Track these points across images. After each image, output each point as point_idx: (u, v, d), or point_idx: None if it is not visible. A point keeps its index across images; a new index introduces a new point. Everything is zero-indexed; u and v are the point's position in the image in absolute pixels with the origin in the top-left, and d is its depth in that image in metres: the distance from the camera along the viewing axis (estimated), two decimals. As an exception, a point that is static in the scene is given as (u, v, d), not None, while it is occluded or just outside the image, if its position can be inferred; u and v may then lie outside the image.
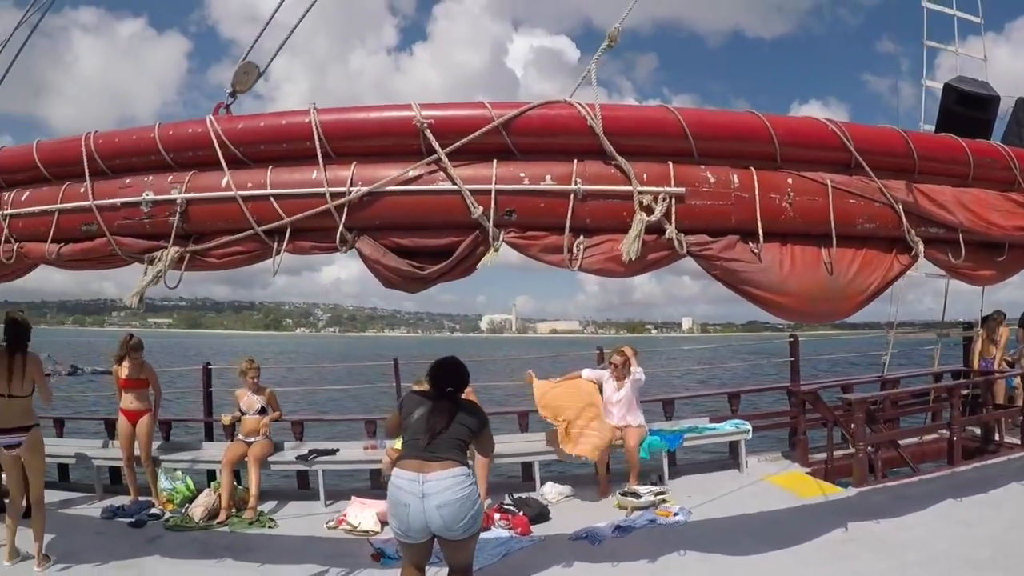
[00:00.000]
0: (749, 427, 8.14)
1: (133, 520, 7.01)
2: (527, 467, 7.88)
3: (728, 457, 8.51)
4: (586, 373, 7.88)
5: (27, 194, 4.75)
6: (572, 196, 4.04)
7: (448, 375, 4.19)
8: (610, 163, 4.13)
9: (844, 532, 5.91)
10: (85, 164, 4.46)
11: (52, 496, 7.37)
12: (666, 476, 7.65)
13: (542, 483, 7.51)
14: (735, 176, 4.29)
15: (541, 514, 6.62)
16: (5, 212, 4.73)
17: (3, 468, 5.79)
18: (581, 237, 4.12)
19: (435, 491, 3.77)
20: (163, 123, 4.39)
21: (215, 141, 4.12)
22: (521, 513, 6.51)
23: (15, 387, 5.49)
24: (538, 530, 6.37)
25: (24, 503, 5.85)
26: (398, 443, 6.97)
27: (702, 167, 4.29)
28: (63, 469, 8.59)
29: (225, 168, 4.12)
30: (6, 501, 6.16)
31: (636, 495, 6.87)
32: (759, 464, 8.31)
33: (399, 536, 3.96)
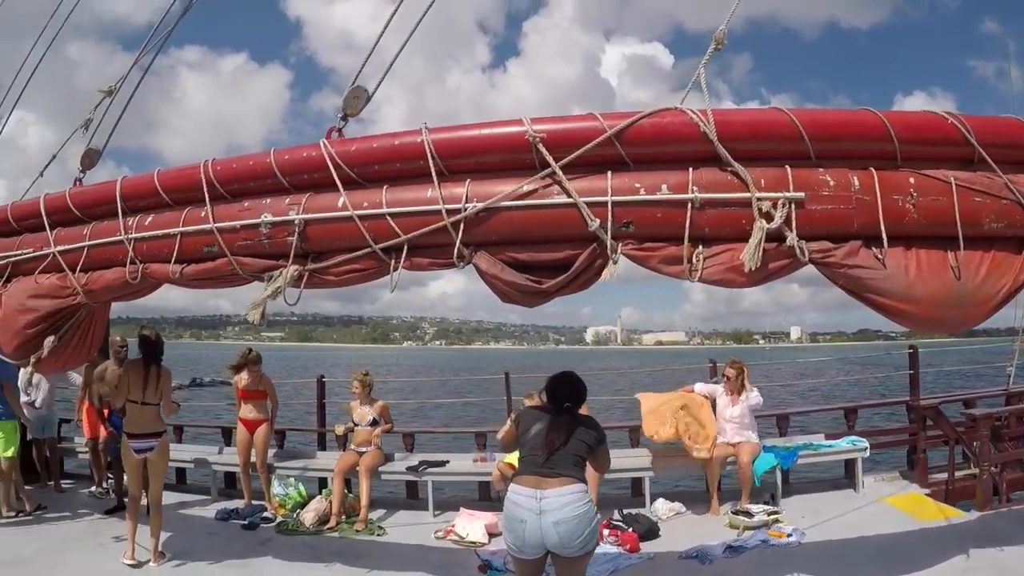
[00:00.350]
0: (866, 444, 7.74)
1: (246, 522, 7.36)
2: (637, 483, 7.74)
3: (843, 476, 8.10)
4: (699, 387, 7.72)
5: (150, 219, 4.97)
6: (689, 205, 3.89)
7: (566, 390, 4.13)
8: (726, 169, 3.95)
9: (965, 559, 5.51)
10: (205, 189, 4.65)
11: (170, 497, 7.79)
12: (779, 495, 7.33)
13: (652, 499, 7.34)
14: (855, 178, 4.04)
15: (651, 531, 6.49)
16: (130, 236, 4.96)
17: (126, 469, 6.16)
18: (700, 247, 3.96)
19: (552, 508, 3.70)
20: (278, 149, 4.54)
21: (330, 163, 4.20)
22: (631, 529, 6.38)
23: (148, 395, 5.99)
24: (647, 547, 6.25)
25: (144, 503, 6.22)
26: (509, 457, 7.00)
27: (820, 170, 4.06)
28: (181, 472, 9.12)
29: (341, 189, 4.18)
30: (125, 500, 6.47)
31: (748, 514, 6.64)
32: (875, 484, 7.89)
33: (513, 551, 3.89)
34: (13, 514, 7.59)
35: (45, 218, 5.54)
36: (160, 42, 6.00)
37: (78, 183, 5.79)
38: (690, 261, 3.95)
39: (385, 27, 4.49)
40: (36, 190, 6.20)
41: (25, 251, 5.66)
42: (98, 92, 6.02)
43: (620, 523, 6.53)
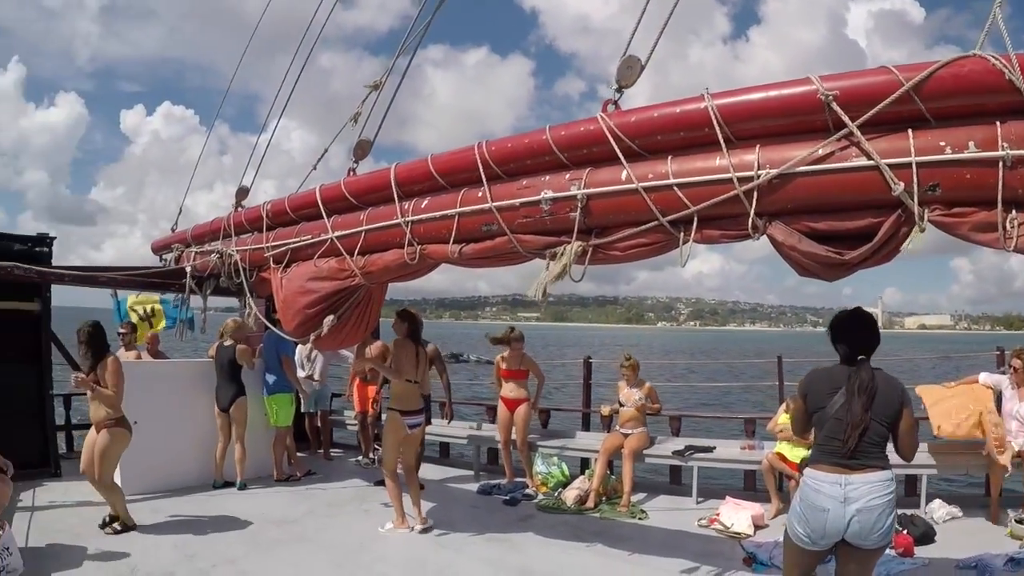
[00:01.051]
0: None
1: (507, 498, 7.62)
2: (911, 481, 7.20)
3: None
4: (983, 377, 7.00)
5: (426, 202, 5.24)
6: (1000, 163, 3.48)
7: (860, 332, 3.74)
8: None
9: None
10: (481, 170, 4.80)
11: (433, 471, 8.51)
12: None
13: (928, 500, 6.82)
14: None
15: (926, 535, 6.04)
16: (407, 219, 5.25)
17: (391, 444, 6.52)
18: (1013, 212, 3.50)
19: (858, 496, 3.44)
20: (553, 125, 4.55)
21: (609, 136, 4.15)
22: (905, 532, 5.95)
23: (420, 374, 6.37)
24: (921, 552, 5.80)
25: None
26: (779, 446, 6.80)
27: None
28: (444, 447, 9.73)
29: (623, 161, 4.14)
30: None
31: None
32: None
33: (804, 544, 3.61)
34: (285, 478, 8.38)
35: (322, 207, 6.01)
36: (417, 41, 6.29)
37: (351, 173, 6.19)
38: (1004, 228, 3.52)
39: (644, 8, 4.42)
40: (304, 185, 6.79)
41: (303, 238, 6.16)
42: (364, 88, 6.45)
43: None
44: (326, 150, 6.99)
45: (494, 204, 4.69)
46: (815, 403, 3.73)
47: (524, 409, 8.02)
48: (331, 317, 5.96)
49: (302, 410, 9.41)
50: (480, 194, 4.82)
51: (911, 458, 3.82)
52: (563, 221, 4.42)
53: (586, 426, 9.39)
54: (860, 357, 3.68)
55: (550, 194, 4.43)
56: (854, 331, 3.77)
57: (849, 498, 3.45)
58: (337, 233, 5.80)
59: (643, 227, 4.16)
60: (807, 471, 3.69)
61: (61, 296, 8.78)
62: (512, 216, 4.66)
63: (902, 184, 3.57)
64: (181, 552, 5.82)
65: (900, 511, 6.14)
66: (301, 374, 9.22)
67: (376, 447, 8.85)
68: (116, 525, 6.25)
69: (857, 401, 3.54)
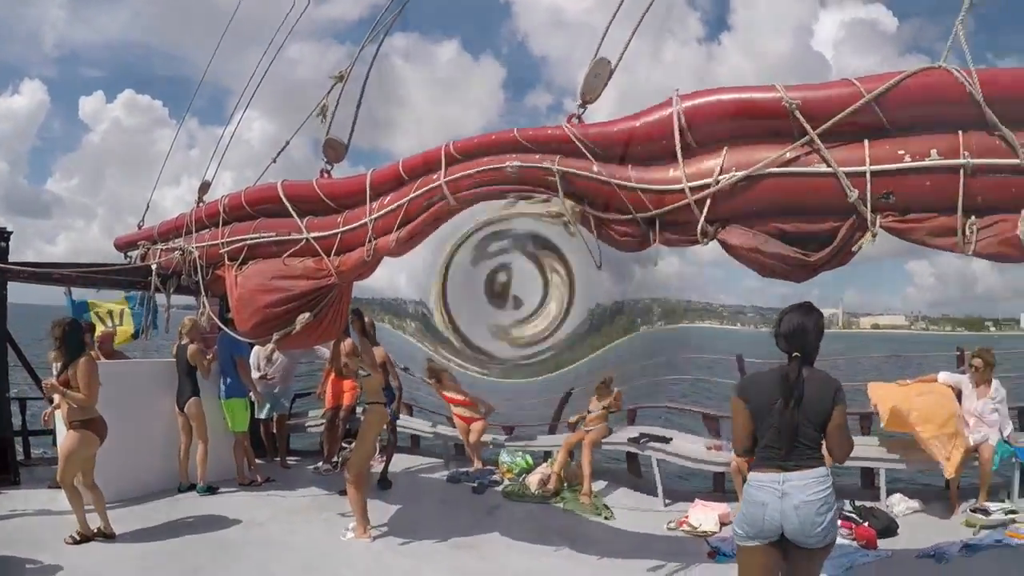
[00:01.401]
0: None
1: (475, 485, 8.04)
2: (868, 474, 7.32)
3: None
4: (943, 376, 7.08)
5: (388, 198, 5.39)
6: (962, 172, 3.58)
7: (794, 331, 3.59)
8: (994, 134, 3.58)
9: None
10: (443, 161, 4.98)
11: (406, 461, 9.00)
12: (1015, 493, 6.67)
13: (888, 494, 6.87)
14: None
15: (888, 528, 6.14)
16: (372, 217, 5.40)
17: (371, 437, 6.63)
18: (972, 218, 3.61)
19: (794, 490, 3.45)
20: (520, 128, 4.70)
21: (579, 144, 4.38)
22: (867, 524, 6.08)
23: None
24: (884, 544, 5.91)
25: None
26: None
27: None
28: (415, 439, 10.27)
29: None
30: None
31: (986, 512, 6.21)
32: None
33: (742, 540, 3.60)
34: (247, 482, 8.15)
35: (288, 204, 6.00)
36: (385, 28, 6.17)
37: (326, 175, 6.04)
38: (964, 233, 3.61)
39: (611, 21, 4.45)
40: (263, 178, 6.75)
41: (266, 234, 6.09)
42: (329, 78, 6.16)
43: (853, 515, 6.21)
44: (287, 143, 6.87)
45: (445, 180, 4.88)
46: (758, 411, 3.65)
47: (479, 426, 8.82)
48: (307, 314, 5.78)
49: (256, 415, 9.01)
50: (435, 176, 4.97)
51: (842, 459, 3.68)
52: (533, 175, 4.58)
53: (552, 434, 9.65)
54: (795, 354, 3.57)
55: (516, 164, 4.58)
56: (791, 331, 3.61)
57: (786, 493, 3.46)
58: (314, 234, 5.77)
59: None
60: (750, 475, 3.67)
61: (13, 293, 8.37)
62: (462, 183, 4.86)
63: (856, 191, 3.68)
64: (144, 563, 5.60)
65: (860, 503, 6.44)
66: (256, 375, 8.90)
67: (343, 446, 8.74)
68: (75, 534, 5.89)
69: (787, 405, 3.51)
